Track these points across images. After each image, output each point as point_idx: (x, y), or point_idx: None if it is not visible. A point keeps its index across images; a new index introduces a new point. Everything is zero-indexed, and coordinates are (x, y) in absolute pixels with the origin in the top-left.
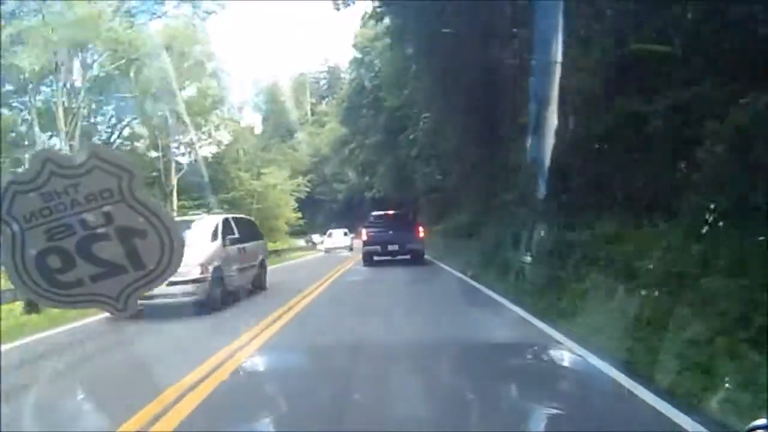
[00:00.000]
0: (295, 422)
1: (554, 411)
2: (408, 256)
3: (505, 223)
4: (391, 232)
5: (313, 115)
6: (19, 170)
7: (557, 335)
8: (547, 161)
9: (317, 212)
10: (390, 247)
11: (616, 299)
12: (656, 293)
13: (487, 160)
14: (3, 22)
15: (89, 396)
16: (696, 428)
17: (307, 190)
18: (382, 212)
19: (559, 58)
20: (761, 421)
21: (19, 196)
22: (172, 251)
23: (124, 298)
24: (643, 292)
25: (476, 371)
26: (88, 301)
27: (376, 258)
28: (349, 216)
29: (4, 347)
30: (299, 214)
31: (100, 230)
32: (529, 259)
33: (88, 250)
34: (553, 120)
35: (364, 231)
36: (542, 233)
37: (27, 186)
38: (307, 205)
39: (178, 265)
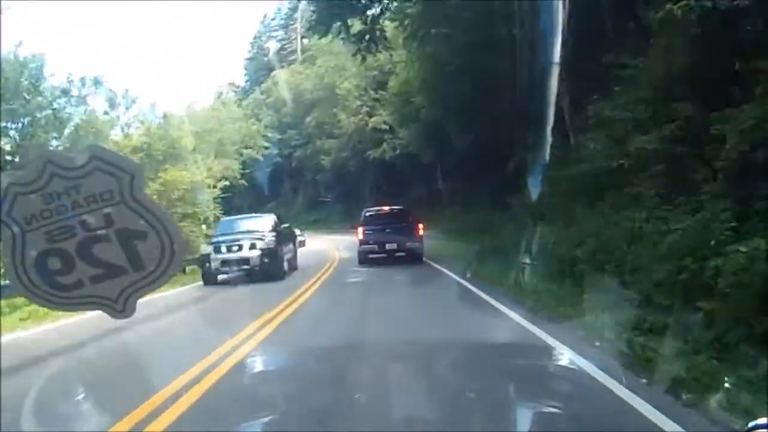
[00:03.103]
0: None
1: (546, 410)
2: (404, 254)
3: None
4: (388, 230)
5: (304, 53)
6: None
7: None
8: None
9: (295, 190)
10: (388, 246)
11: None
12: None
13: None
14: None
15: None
16: (696, 428)
17: (266, 145)
18: (377, 209)
19: (557, 58)
20: (761, 420)
21: (20, 198)
22: (172, 253)
23: (123, 300)
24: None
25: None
26: (87, 303)
27: (371, 256)
28: (341, 197)
29: None
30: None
31: (101, 232)
32: (529, 260)
33: (88, 251)
34: (551, 120)
35: (360, 229)
36: (543, 234)
37: (28, 187)
38: (278, 178)
39: (178, 267)
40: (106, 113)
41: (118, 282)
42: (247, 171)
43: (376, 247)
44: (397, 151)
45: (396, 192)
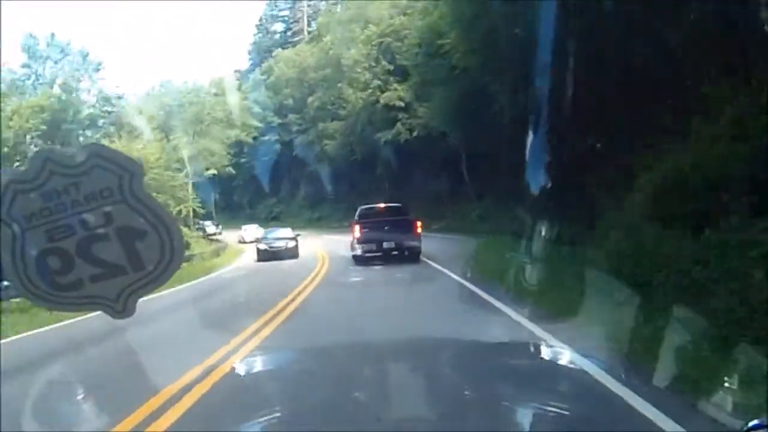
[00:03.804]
0: None
1: (542, 408)
2: (403, 253)
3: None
4: (386, 227)
5: (311, 33)
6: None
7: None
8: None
9: (296, 184)
10: (385, 245)
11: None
12: None
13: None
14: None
15: None
16: (695, 427)
17: (256, 124)
18: (372, 206)
19: (550, 58)
20: (761, 420)
21: (20, 196)
22: (172, 251)
23: (123, 300)
24: None
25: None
26: (87, 303)
27: (368, 255)
28: (347, 192)
29: None
30: None
31: (100, 231)
32: (529, 259)
33: (87, 251)
34: (549, 119)
35: (356, 227)
36: (543, 232)
37: (27, 185)
38: (278, 169)
39: (178, 266)
40: (26, 66)
41: (117, 282)
42: (242, 161)
43: (373, 245)
44: (415, 133)
45: (410, 185)
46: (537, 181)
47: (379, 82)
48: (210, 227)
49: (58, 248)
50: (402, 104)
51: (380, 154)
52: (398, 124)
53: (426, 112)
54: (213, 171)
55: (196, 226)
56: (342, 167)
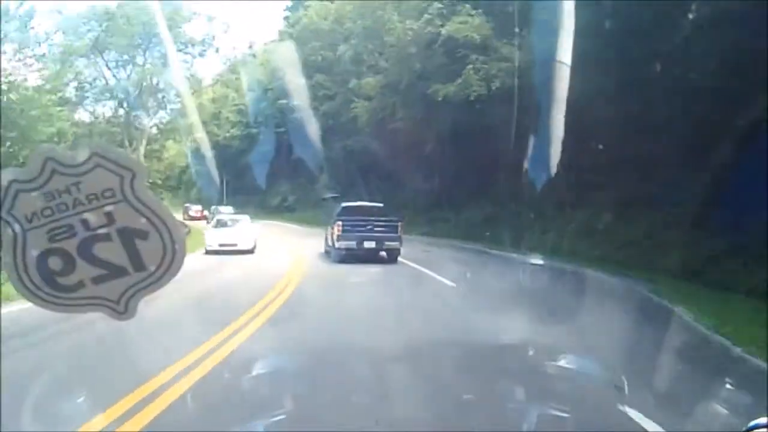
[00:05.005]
0: None
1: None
2: (382, 253)
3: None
4: (368, 227)
5: None
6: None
7: None
8: (552, 161)
9: (320, 167)
10: (366, 244)
11: None
12: None
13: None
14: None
15: None
16: (697, 427)
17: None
18: (355, 204)
19: (566, 59)
20: (761, 420)
21: (21, 196)
22: (174, 252)
23: (125, 301)
24: None
25: None
26: (88, 305)
27: (347, 253)
28: (384, 182)
29: None
30: None
31: (102, 231)
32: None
33: (89, 251)
34: (559, 120)
35: (338, 223)
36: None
37: (28, 185)
38: (300, 147)
39: (180, 267)
40: None
41: (119, 283)
42: (254, 131)
43: (354, 243)
44: (495, 85)
45: (474, 171)
46: (539, 172)
47: (440, 6)
48: (223, 216)
49: (59, 249)
50: (477, 39)
51: (435, 121)
52: (469, 70)
53: (511, 52)
54: (196, 135)
55: (210, 213)
56: (376, 144)
